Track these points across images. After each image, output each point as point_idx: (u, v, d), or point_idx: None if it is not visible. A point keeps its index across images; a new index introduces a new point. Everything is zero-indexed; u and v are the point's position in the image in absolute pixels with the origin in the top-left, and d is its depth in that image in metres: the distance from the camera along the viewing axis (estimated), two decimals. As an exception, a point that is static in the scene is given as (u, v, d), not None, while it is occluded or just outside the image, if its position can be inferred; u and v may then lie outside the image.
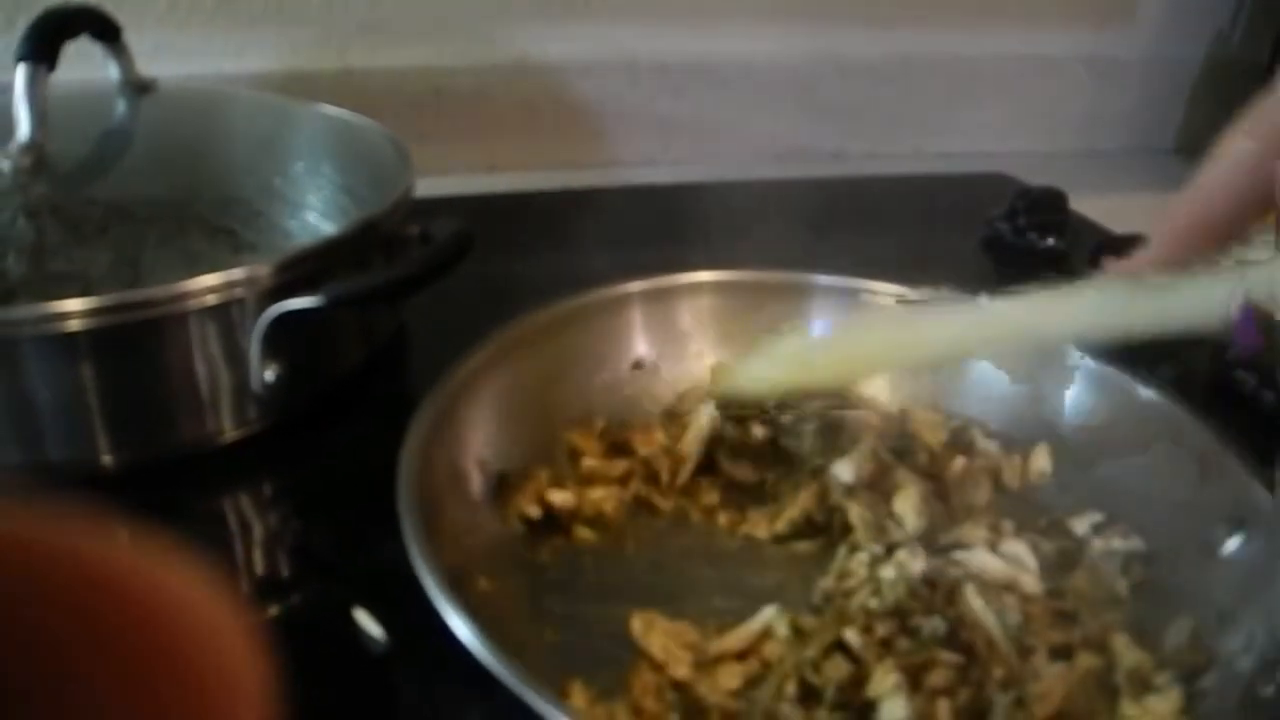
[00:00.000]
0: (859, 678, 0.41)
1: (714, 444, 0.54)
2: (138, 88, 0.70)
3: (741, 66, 1.01)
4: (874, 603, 0.44)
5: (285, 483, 0.54)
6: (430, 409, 0.46)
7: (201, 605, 0.16)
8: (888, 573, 0.45)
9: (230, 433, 0.53)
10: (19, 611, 0.15)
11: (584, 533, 0.49)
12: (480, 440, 0.49)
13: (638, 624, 0.44)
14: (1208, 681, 0.42)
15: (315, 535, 0.51)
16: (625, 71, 0.97)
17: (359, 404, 0.59)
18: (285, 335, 0.51)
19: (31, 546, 0.15)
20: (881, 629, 0.43)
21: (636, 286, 0.58)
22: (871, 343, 0.49)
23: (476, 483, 0.48)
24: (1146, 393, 0.53)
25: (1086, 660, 0.43)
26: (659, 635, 0.43)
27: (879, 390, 0.60)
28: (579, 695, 0.40)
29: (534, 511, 0.48)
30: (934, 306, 0.47)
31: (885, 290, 0.60)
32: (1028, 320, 0.42)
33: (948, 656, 0.42)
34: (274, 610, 0.46)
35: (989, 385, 0.58)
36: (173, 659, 0.15)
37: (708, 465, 0.54)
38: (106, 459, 0.51)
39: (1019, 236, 0.87)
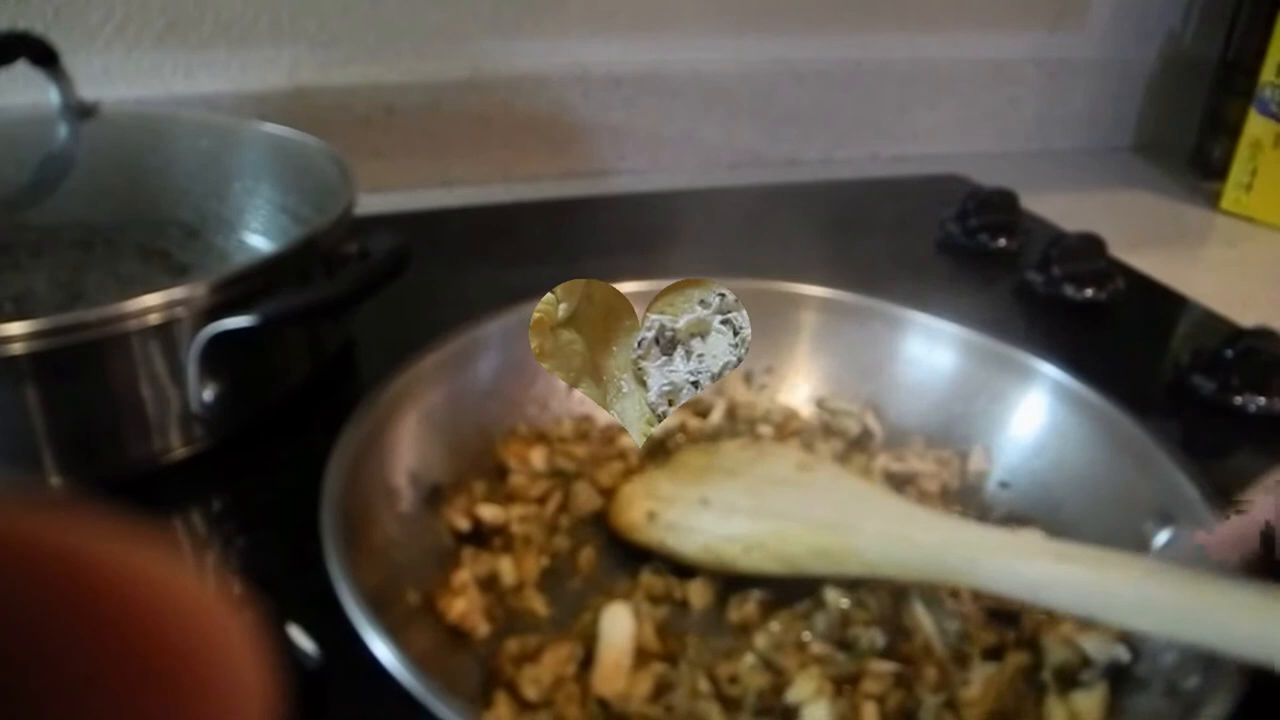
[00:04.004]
0: (779, 685, 0.41)
1: None
2: (79, 112, 0.70)
3: (693, 75, 1.01)
4: (811, 631, 0.44)
5: (232, 499, 0.54)
6: (357, 426, 0.46)
7: (206, 605, 0.16)
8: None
9: (177, 450, 0.54)
10: (21, 612, 0.15)
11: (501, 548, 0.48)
12: (411, 454, 0.49)
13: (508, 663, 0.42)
14: (1132, 677, 0.42)
15: (258, 550, 0.51)
16: (577, 83, 0.98)
17: (307, 417, 0.59)
18: (223, 354, 0.51)
19: (34, 546, 0.15)
20: (817, 648, 0.43)
21: None
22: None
23: (408, 496, 0.48)
24: (1082, 391, 0.53)
25: (1016, 659, 0.43)
26: (530, 667, 0.41)
27: (803, 394, 0.60)
28: (504, 706, 0.40)
29: (463, 524, 0.48)
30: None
31: (816, 294, 0.60)
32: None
33: (881, 667, 0.42)
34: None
35: (924, 388, 0.58)
36: (178, 660, 0.15)
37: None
38: (54, 480, 0.51)
39: (970, 238, 0.88)
